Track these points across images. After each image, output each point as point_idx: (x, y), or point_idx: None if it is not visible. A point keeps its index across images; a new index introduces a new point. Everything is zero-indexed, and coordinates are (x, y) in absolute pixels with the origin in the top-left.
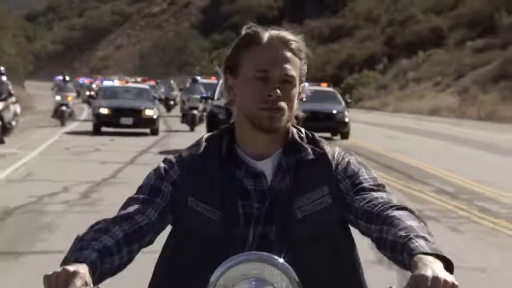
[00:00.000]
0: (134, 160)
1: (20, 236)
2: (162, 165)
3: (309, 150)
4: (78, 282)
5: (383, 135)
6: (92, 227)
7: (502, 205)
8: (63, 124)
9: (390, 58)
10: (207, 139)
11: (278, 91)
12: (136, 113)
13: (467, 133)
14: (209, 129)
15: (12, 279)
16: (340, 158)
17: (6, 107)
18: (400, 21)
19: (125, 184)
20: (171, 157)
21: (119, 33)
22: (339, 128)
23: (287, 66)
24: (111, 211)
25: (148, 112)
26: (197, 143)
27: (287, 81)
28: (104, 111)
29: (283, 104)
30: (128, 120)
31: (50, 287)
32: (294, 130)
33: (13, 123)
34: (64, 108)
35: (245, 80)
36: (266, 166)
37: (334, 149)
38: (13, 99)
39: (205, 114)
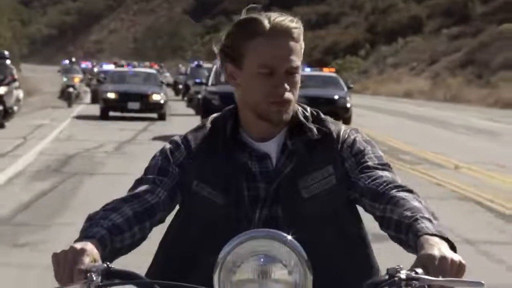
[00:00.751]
0: (147, 128)
1: (84, 168)
2: (168, 146)
3: (314, 130)
4: (86, 259)
5: (356, 114)
6: (102, 207)
7: (430, 163)
8: (70, 105)
9: (372, 44)
10: (212, 121)
11: (286, 85)
12: (143, 98)
13: (425, 112)
14: (203, 115)
15: (88, 187)
16: (346, 136)
17: (9, 92)
18: (382, 9)
19: (143, 144)
20: (176, 138)
21: (113, 18)
22: (341, 113)
23: (292, 58)
24: (139, 158)
25: (155, 97)
26: (202, 125)
27: (293, 73)
28: (111, 95)
29: (290, 95)
30: (135, 105)
31: (59, 266)
32: (299, 109)
33: (15, 108)
34: (71, 89)
35: (251, 74)
36: (271, 148)
37: (339, 127)
38: (16, 84)
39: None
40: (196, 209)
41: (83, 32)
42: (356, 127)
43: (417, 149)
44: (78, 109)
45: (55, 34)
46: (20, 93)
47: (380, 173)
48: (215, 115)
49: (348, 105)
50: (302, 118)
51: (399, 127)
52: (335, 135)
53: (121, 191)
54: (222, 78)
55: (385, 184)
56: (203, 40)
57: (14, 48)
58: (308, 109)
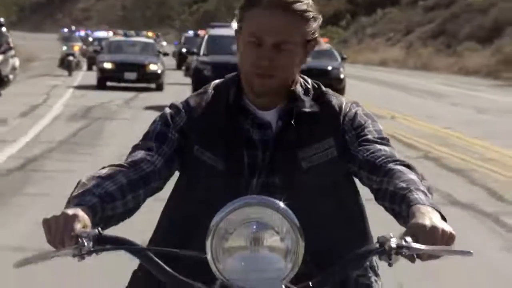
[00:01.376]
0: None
1: (103, 115)
2: (168, 111)
3: (307, 103)
4: (77, 225)
5: None
6: (96, 173)
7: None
8: (70, 74)
9: (352, 15)
10: (214, 87)
11: (268, 60)
12: (140, 68)
13: (394, 78)
14: (195, 85)
15: (111, 125)
16: (347, 109)
17: (5, 60)
18: None
19: (145, 99)
20: (177, 103)
21: None
22: (334, 84)
23: (283, 31)
24: (144, 110)
25: (152, 67)
26: (204, 91)
27: (281, 48)
28: (108, 65)
29: (274, 70)
30: (132, 75)
31: (50, 232)
32: (301, 81)
33: (11, 76)
34: (71, 58)
35: (243, 42)
36: (273, 117)
37: (341, 100)
38: (12, 52)
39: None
40: (197, 174)
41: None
42: (357, 101)
43: (369, 105)
44: (79, 77)
45: (43, 1)
46: (16, 62)
47: (379, 146)
48: (217, 81)
49: (342, 76)
50: (298, 90)
51: (365, 91)
52: (337, 108)
53: (137, 130)
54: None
55: (383, 157)
56: (190, 10)
57: (2, 15)
58: (309, 81)
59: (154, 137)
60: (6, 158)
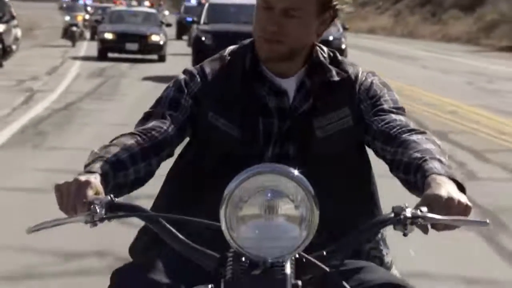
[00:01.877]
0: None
1: (117, 73)
2: (182, 76)
3: (333, 71)
4: (90, 191)
5: None
6: (107, 143)
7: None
8: (73, 44)
9: None
10: (230, 53)
11: (276, 25)
12: (141, 39)
13: (380, 45)
14: (196, 55)
15: (125, 80)
16: (363, 79)
17: (8, 30)
18: None
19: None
20: (192, 68)
21: None
22: None
23: None
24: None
25: (154, 38)
26: (220, 56)
27: (290, 14)
28: (109, 36)
29: (282, 36)
30: (133, 46)
31: (62, 198)
32: (318, 50)
33: (14, 46)
34: (74, 28)
35: (257, 6)
36: (289, 85)
37: (357, 69)
38: (14, 22)
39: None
40: (211, 142)
41: None
42: (373, 70)
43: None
44: (84, 47)
45: None
46: (18, 32)
47: (394, 116)
48: (232, 47)
49: (343, 46)
50: (322, 59)
51: (349, 56)
52: (353, 77)
53: (150, 85)
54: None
55: (398, 127)
56: None
57: None
58: (325, 49)
59: (168, 104)
60: (49, 103)
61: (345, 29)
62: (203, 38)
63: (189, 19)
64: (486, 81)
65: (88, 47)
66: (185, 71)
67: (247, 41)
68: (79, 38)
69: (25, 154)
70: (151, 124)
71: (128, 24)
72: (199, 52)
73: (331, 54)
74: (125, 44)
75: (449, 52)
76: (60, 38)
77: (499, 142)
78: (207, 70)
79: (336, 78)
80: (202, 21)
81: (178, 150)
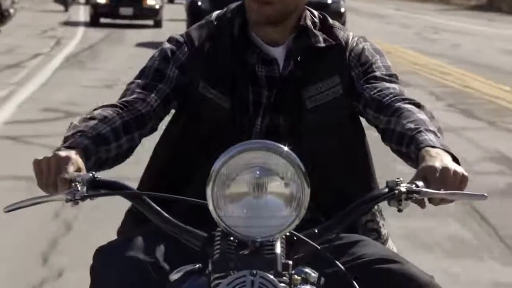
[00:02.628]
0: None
1: (120, 35)
2: (167, 45)
3: (320, 37)
4: (70, 167)
5: None
6: (87, 114)
7: None
8: (66, 9)
9: None
10: (217, 19)
11: None
12: (136, 3)
13: (354, 4)
14: (191, 19)
15: (128, 37)
16: (354, 44)
17: None
18: None
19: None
20: (177, 36)
21: None
22: (334, 19)
23: None
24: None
25: (150, 2)
26: (206, 22)
27: None
28: (101, 0)
29: None
30: (128, 11)
31: (41, 174)
32: (308, 14)
33: (11, 10)
34: None
35: None
36: (279, 53)
37: (348, 34)
38: None
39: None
40: (200, 112)
41: None
42: (364, 35)
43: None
44: (80, 11)
45: None
46: None
47: (387, 84)
48: (218, 12)
49: (343, 9)
50: (309, 24)
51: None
52: (343, 43)
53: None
54: None
55: (391, 95)
56: None
57: None
58: (316, 13)
59: (152, 75)
60: (73, 48)
61: None
62: (199, 3)
63: None
64: (432, 33)
65: (83, 12)
66: (171, 39)
67: (233, 5)
68: (71, 3)
69: (75, 72)
70: (134, 96)
71: None
72: (195, 16)
73: (321, 17)
74: (119, 9)
75: (416, 10)
76: (53, 1)
77: (412, 69)
78: (194, 37)
79: (322, 44)
80: None
81: (164, 124)
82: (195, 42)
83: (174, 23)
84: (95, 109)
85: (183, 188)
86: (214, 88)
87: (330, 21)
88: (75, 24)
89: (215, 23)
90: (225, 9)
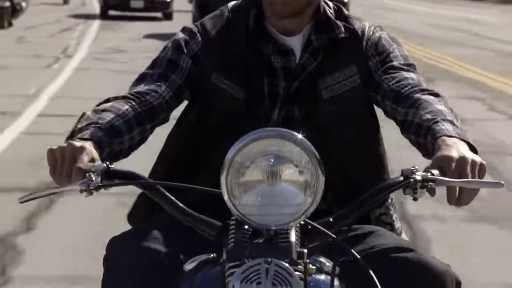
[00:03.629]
0: None
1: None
2: (181, 35)
3: (342, 27)
4: (85, 157)
5: None
6: (100, 106)
7: None
8: (66, 2)
9: None
10: (232, 9)
11: None
12: None
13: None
14: (198, 11)
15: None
16: (371, 33)
17: None
18: None
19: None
20: (192, 26)
21: None
22: None
23: None
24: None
25: None
26: (221, 13)
27: None
28: None
29: None
30: (138, 3)
31: (55, 162)
32: (325, 6)
33: (23, 4)
34: None
35: None
36: (295, 43)
37: (364, 24)
38: None
39: None
40: (214, 104)
41: None
42: (380, 25)
43: None
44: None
45: None
46: None
47: (405, 74)
48: (233, 2)
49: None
50: (330, 15)
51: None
52: (360, 33)
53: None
54: None
55: (409, 86)
56: None
57: None
58: (331, 4)
59: (164, 65)
60: (97, 28)
61: None
62: None
63: None
64: (436, 21)
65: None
66: (185, 29)
67: None
68: None
69: (108, 34)
70: (146, 87)
71: None
72: (203, 8)
73: (336, 8)
74: (130, 2)
75: (439, 5)
76: None
77: None
78: (209, 27)
79: (344, 34)
80: None
81: (178, 113)
82: (209, 32)
83: (181, 15)
84: (107, 100)
85: (196, 178)
86: (228, 78)
87: (345, 11)
88: (83, 17)
89: (230, 14)
90: (240, 0)
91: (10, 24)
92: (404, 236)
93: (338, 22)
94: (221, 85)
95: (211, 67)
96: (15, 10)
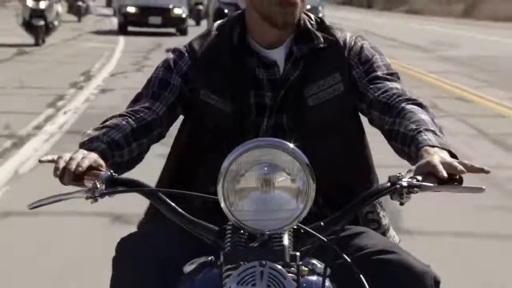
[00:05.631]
0: None
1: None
2: (171, 56)
3: (321, 38)
4: (93, 164)
5: None
6: (100, 124)
7: None
8: (79, 19)
9: None
10: (218, 28)
11: None
12: (164, 12)
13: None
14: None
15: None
16: (353, 43)
17: (49, 7)
18: None
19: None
20: (180, 47)
21: None
22: None
23: None
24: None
25: (177, 11)
26: (208, 32)
27: None
28: (131, 9)
29: None
30: (156, 20)
31: (64, 170)
32: (305, 17)
33: (56, 23)
34: (80, 3)
35: None
36: (278, 55)
37: (345, 34)
38: None
39: (211, 11)
40: (204, 117)
41: None
42: (361, 35)
43: None
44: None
45: None
46: (59, 8)
47: (390, 84)
48: (220, 21)
49: (320, 14)
50: (309, 26)
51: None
52: (341, 42)
53: None
54: None
55: (395, 96)
56: None
57: None
58: (312, 17)
59: (157, 84)
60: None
61: None
62: (226, 10)
63: None
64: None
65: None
66: (174, 50)
67: (235, 13)
68: (84, 13)
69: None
70: (141, 105)
71: None
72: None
73: (318, 20)
74: (149, 18)
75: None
76: (66, 12)
77: None
78: (196, 47)
79: (324, 45)
80: None
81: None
82: (196, 51)
83: (194, 29)
84: (106, 120)
85: (192, 186)
86: (215, 93)
87: (327, 23)
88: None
89: (216, 32)
90: (225, 19)
91: (43, 41)
92: (392, 232)
93: (318, 33)
94: (209, 101)
95: (199, 84)
96: (48, 28)
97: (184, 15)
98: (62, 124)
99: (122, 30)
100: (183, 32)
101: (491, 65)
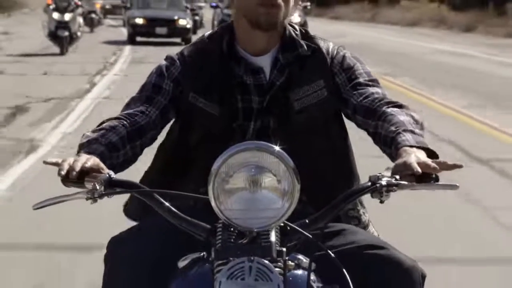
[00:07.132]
0: None
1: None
2: (163, 63)
3: (305, 46)
4: (94, 167)
5: None
6: (97, 127)
7: None
8: (92, 30)
9: None
10: (209, 37)
11: None
12: (170, 23)
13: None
14: None
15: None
16: (335, 52)
17: (73, 19)
18: None
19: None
20: (173, 54)
21: None
22: None
23: None
24: None
25: (182, 22)
26: (200, 40)
27: None
28: (139, 21)
29: (279, 0)
30: (162, 30)
31: (67, 173)
32: (290, 28)
33: (78, 33)
34: (93, 15)
35: None
36: (265, 62)
37: (328, 44)
38: (79, 10)
39: (215, 22)
40: (192, 120)
41: None
42: (343, 45)
43: None
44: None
45: None
46: (80, 19)
47: (371, 89)
48: (211, 31)
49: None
50: (294, 35)
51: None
52: (324, 51)
53: None
54: None
55: (376, 100)
56: None
57: None
58: (297, 27)
59: (150, 89)
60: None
61: (305, 8)
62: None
63: (213, 4)
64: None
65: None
66: (167, 57)
67: (225, 23)
68: (97, 24)
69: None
70: (135, 109)
71: (154, 9)
72: None
73: (303, 31)
74: (155, 29)
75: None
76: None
77: None
78: (187, 53)
79: (308, 53)
80: (225, 5)
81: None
82: (187, 58)
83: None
84: (102, 122)
85: (180, 185)
86: (203, 97)
87: (311, 33)
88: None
89: (207, 41)
90: (216, 29)
91: (67, 50)
92: (371, 228)
93: (302, 42)
94: (198, 104)
95: (188, 88)
96: (72, 38)
97: (188, 26)
98: None
99: (131, 39)
100: (187, 41)
101: (371, 50)
